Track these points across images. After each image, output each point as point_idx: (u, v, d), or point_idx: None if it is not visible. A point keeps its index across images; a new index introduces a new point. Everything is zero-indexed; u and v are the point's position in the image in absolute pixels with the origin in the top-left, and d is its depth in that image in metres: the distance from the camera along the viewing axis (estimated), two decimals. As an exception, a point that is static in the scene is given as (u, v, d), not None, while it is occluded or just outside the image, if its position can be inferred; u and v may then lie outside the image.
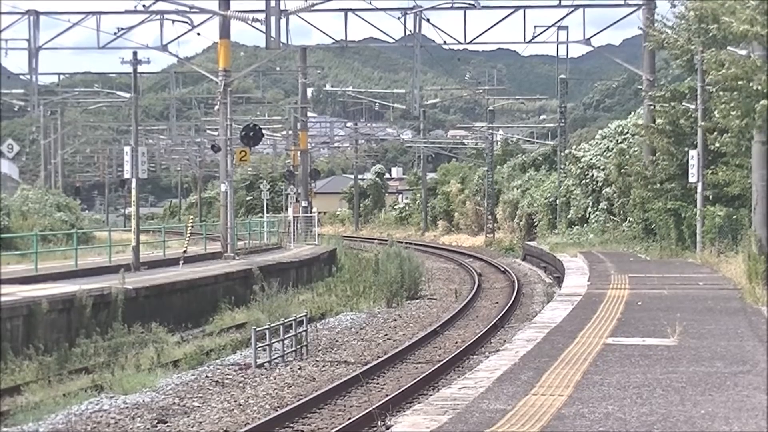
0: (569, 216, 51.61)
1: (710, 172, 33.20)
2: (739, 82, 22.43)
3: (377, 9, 42.37)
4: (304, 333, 22.39)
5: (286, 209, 59.53)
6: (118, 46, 42.16)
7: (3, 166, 58.22)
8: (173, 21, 40.60)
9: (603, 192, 46.93)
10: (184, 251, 36.67)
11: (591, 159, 48.74)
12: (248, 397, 17.32)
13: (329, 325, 27.29)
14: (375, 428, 14.39)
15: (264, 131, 48.94)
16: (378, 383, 18.66)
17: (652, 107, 39.60)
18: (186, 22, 40.65)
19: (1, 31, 41.50)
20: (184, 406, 16.80)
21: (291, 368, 20.26)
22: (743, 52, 23.63)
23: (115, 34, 41.60)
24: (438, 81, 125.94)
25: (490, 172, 69.51)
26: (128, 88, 41.37)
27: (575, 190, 50.95)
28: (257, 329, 20.79)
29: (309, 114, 70.23)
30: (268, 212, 55.66)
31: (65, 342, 21.86)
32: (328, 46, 49.95)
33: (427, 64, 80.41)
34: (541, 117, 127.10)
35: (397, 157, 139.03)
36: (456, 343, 23.69)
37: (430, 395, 14.27)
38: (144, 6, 40.03)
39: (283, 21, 36.31)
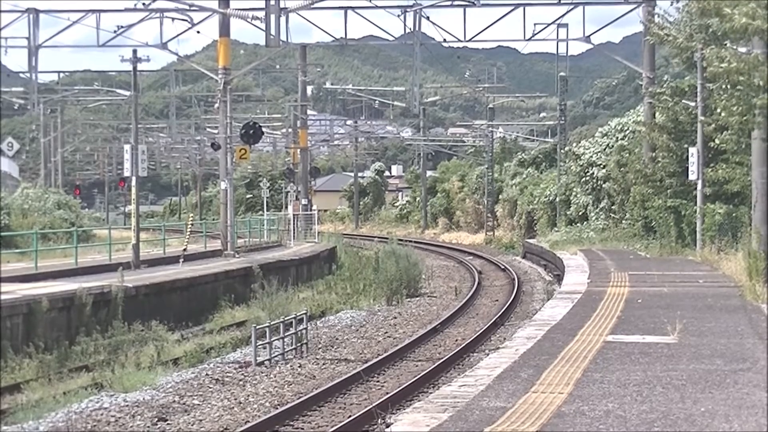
0: (569, 213, 51.61)
1: (710, 169, 33.19)
2: (740, 77, 22.42)
3: (377, 7, 42.40)
4: (304, 331, 22.40)
5: (286, 207, 59.54)
6: (118, 44, 42.41)
7: (3, 165, 58.26)
8: (173, 19, 40.56)
9: (603, 189, 46.92)
10: (184, 249, 36.68)
11: (591, 156, 48.74)
12: (248, 395, 17.33)
13: (329, 322, 27.29)
14: (375, 426, 14.39)
15: (264, 129, 48.94)
16: (378, 381, 18.66)
17: (652, 104, 39.60)
18: (186, 20, 40.64)
19: (1, 29, 41.48)
20: (184, 404, 16.81)
21: (291, 366, 20.26)
22: (743, 50, 23.63)
23: (114, 32, 41.61)
24: (438, 79, 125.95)
25: (489, 170, 69.52)
26: (128, 86, 41.37)
27: (575, 188, 50.96)
28: (257, 327, 20.79)
29: (309, 112, 70.22)
30: (268, 210, 55.69)
31: (65, 340, 21.88)
32: (327, 43, 49.93)
33: (427, 61, 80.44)
34: (541, 115, 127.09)
35: (397, 154, 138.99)
36: (456, 340, 23.69)
37: (430, 393, 14.27)
38: (144, 4, 40.04)
39: (282, 19, 36.37)
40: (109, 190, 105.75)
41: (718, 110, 26.37)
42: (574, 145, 55.36)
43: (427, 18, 41.74)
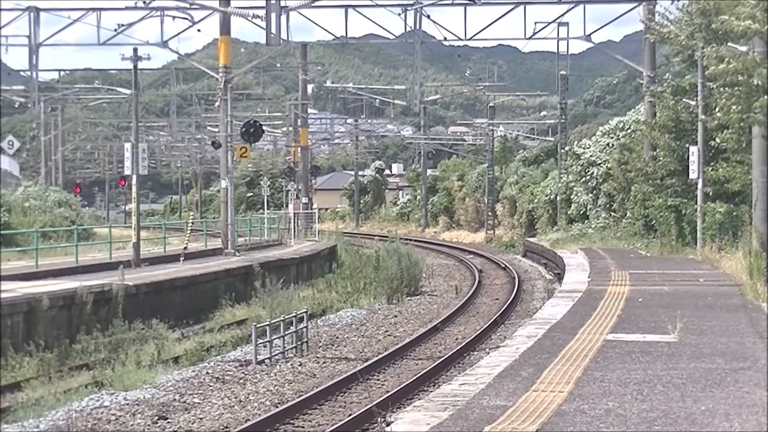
0: (570, 212, 51.61)
1: (711, 168, 33.18)
2: (740, 77, 22.43)
3: (378, 5, 42.32)
4: (304, 329, 22.40)
5: (287, 206, 59.52)
6: (118, 42, 42.09)
7: (3, 163, 58.24)
8: (174, 17, 40.52)
9: (603, 188, 46.92)
10: (185, 248, 36.67)
11: (591, 156, 48.75)
12: (249, 394, 17.33)
13: (329, 321, 27.30)
14: (375, 425, 14.39)
15: (264, 128, 48.91)
16: (378, 379, 18.66)
17: (653, 103, 39.59)
18: (186, 19, 40.60)
19: (1, 28, 41.47)
20: (184, 402, 16.81)
21: (291, 365, 20.27)
22: (744, 48, 23.63)
23: (115, 30, 41.54)
24: (438, 77, 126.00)
25: (490, 169, 69.52)
26: (129, 85, 41.30)
27: (576, 187, 50.95)
28: (258, 326, 20.79)
29: (309, 110, 70.18)
30: (268, 209, 55.65)
31: (66, 338, 21.88)
32: (328, 42, 49.86)
33: (428, 60, 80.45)
34: (542, 113, 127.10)
35: (398, 153, 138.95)
36: (456, 339, 23.69)
37: (431, 392, 14.28)
38: (144, 2, 39.98)
39: (283, 17, 36.28)
40: (110, 189, 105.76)
41: (717, 109, 26.40)
42: (575, 144, 55.38)
43: (428, 16, 41.74)
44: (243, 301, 29.81)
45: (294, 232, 50.69)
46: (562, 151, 56.78)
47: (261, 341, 20.81)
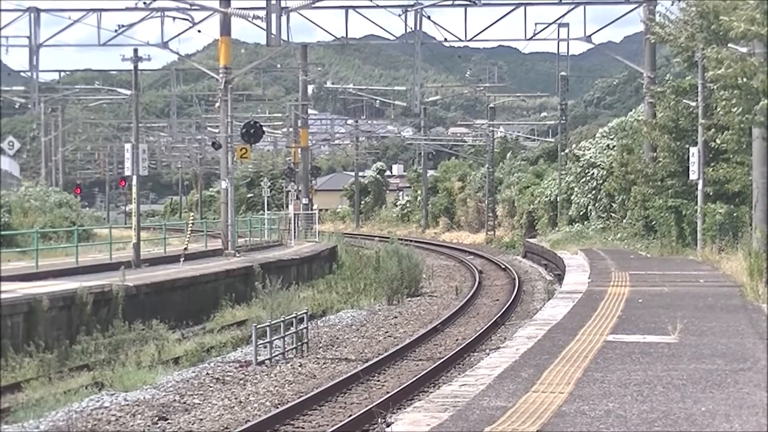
0: (570, 213, 51.61)
1: (711, 169, 33.18)
2: (739, 80, 22.43)
3: (378, 6, 42.37)
4: (304, 330, 22.39)
5: (287, 206, 59.53)
6: (119, 43, 42.13)
7: (3, 163, 58.27)
8: (174, 18, 40.55)
9: (603, 188, 46.92)
10: (185, 248, 36.67)
11: (591, 157, 48.75)
12: (249, 394, 17.33)
13: (330, 322, 27.30)
14: (376, 425, 14.39)
15: (264, 128, 48.93)
16: (379, 380, 18.66)
17: (653, 104, 39.59)
18: (187, 20, 40.62)
19: (1, 28, 41.49)
20: (184, 403, 16.81)
21: (292, 365, 20.26)
22: (744, 50, 23.63)
23: (115, 31, 41.59)
24: (439, 78, 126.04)
25: (490, 169, 69.51)
26: (129, 85, 41.28)
27: (576, 188, 50.96)
28: (258, 326, 20.79)
29: (310, 111, 70.18)
30: (268, 209, 55.65)
31: (66, 339, 21.87)
32: (328, 43, 49.90)
33: (428, 61, 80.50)
34: (542, 114, 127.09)
35: (398, 154, 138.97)
36: (456, 340, 23.69)
37: (431, 392, 14.27)
38: (145, 3, 40.01)
39: (283, 18, 36.31)
40: (110, 189, 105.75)
41: (718, 109, 26.41)
42: (574, 146, 55.42)
43: (428, 17, 41.78)
44: (243, 301, 29.81)
45: (294, 232, 50.69)
46: (562, 153, 56.77)
47: (261, 342, 20.81)
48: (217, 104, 39.21)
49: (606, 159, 46.73)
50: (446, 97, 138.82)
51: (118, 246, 37.33)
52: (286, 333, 21.77)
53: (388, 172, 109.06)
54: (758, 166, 27.14)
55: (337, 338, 24.35)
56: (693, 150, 33.46)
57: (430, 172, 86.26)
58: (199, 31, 60.98)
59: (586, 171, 48.93)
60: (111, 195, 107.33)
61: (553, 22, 43.16)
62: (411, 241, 55.53)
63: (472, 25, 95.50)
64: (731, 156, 31.80)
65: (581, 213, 50.00)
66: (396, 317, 28.64)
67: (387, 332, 25.57)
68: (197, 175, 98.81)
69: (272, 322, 21.53)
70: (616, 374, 11.17)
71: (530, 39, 42.80)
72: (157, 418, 15.68)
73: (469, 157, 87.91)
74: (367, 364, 19.73)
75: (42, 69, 46.46)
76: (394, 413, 14.20)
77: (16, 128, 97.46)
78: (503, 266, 45.58)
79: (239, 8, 37.83)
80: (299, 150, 60.57)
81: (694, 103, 34.10)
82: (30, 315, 21.39)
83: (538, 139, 79.99)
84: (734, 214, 32.21)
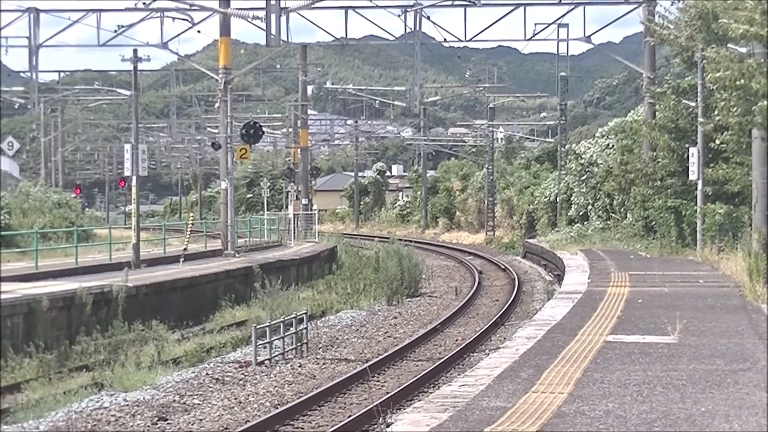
0: (570, 213, 51.61)
1: (711, 169, 33.18)
2: (737, 82, 22.43)
3: (377, 6, 42.40)
4: (304, 330, 22.39)
5: (287, 207, 59.53)
6: (118, 43, 42.14)
7: (3, 164, 58.22)
8: (174, 18, 40.54)
9: (603, 188, 46.92)
10: (185, 249, 36.66)
11: (591, 156, 48.75)
12: (248, 395, 17.33)
13: (329, 322, 27.30)
14: (376, 426, 14.39)
15: (264, 129, 48.93)
16: (378, 381, 18.66)
17: (653, 104, 39.59)
18: (186, 20, 40.61)
19: (1, 29, 41.48)
20: (184, 403, 16.81)
21: (291, 366, 20.26)
22: (744, 50, 23.62)
23: (115, 31, 41.57)
24: (438, 78, 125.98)
25: (490, 169, 69.53)
26: (129, 86, 41.29)
27: (576, 188, 50.96)
28: (258, 327, 20.79)
29: (309, 111, 70.25)
30: (268, 210, 55.67)
31: (66, 339, 21.86)
32: (328, 43, 49.93)
33: (428, 61, 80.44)
34: (542, 114, 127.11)
35: (398, 154, 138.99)
36: (456, 340, 23.69)
37: (431, 393, 14.28)
38: (144, 3, 40.02)
39: (283, 18, 36.28)
40: (110, 190, 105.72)
41: (717, 111, 26.41)
42: (575, 145, 55.42)
43: (428, 18, 41.76)
44: (243, 302, 29.81)
45: (294, 233, 50.70)
46: (562, 149, 56.78)
47: (261, 342, 20.81)
48: (217, 105, 39.20)
49: (606, 158, 46.71)
50: (446, 97, 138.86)
51: (118, 246, 37.32)
52: (286, 333, 21.77)
53: (387, 173, 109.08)
54: (758, 167, 27.14)
55: (337, 339, 24.36)
56: (692, 150, 33.46)
57: (430, 173, 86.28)
58: (198, 32, 61.22)
59: (586, 169, 48.92)
60: (111, 195, 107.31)
61: (553, 23, 43.17)
62: (410, 241, 55.50)
63: (471, 25, 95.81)
64: (731, 156, 31.80)
65: (581, 213, 49.99)
66: (396, 318, 28.64)
67: (387, 333, 25.57)
68: (197, 176, 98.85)
69: (272, 323, 21.53)
70: (616, 374, 11.18)
71: (530, 39, 42.79)
72: (156, 419, 15.68)
73: (469, 158, 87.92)
74: (367, 365, 19.71)
75: (42, 69, 46.56)
76: (394, 413, 14.21)
77: (16, 129, 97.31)
78: (503, 266, 45.58)
79: (239, 9, 37.85)
80: (299, 150, 60.58)
81: (693, 104, 34.10)
82: (30, 315, 21.39)
83: (537, 140, 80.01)
84: (734, 215, 32.21)
